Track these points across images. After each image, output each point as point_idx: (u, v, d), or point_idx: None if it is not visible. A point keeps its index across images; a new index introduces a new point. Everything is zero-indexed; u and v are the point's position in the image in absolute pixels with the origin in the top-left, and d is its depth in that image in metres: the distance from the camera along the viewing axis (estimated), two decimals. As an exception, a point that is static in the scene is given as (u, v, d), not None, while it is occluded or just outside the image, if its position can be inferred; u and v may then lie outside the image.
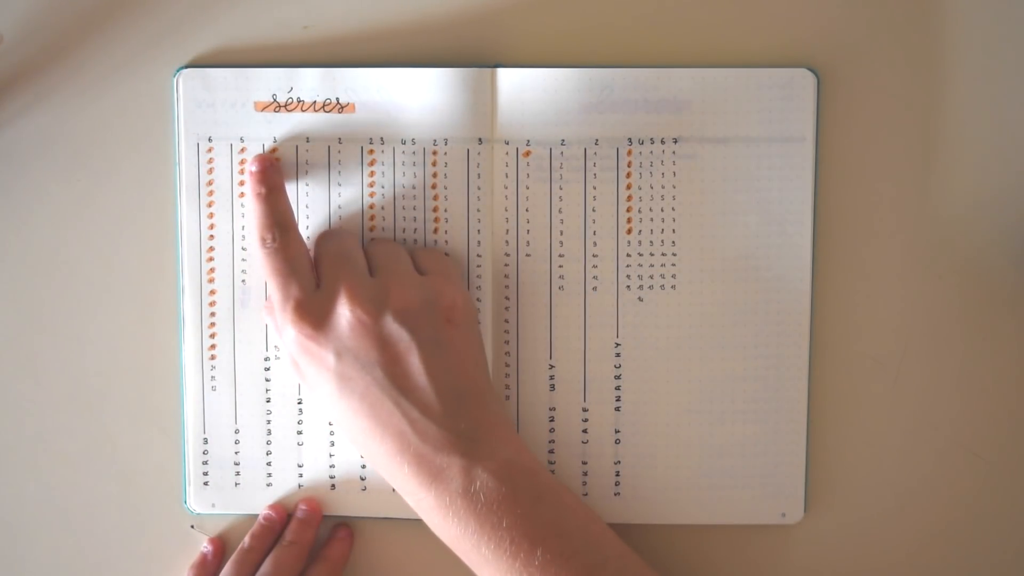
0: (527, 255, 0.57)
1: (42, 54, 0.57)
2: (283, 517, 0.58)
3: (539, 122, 0.56)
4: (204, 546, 0.58)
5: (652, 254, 0.57)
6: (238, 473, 0.58)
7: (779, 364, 0.57)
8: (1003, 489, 0.58)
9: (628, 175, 0.57)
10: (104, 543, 0.59)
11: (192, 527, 0.59)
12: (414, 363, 0.51)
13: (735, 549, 0.58)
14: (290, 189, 0.56)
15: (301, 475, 0.58)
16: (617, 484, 0.58)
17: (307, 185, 0.57)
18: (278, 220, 0.53)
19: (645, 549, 0.54)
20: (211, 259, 0.57)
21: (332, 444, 0.58)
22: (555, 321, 0.57)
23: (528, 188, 0.57)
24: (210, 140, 0.57)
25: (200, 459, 0.58)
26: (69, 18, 0.57)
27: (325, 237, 0.55)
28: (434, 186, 0.57)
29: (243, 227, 0.57)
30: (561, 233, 0.57)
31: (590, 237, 0.57)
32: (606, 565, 0.50)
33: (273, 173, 0.55)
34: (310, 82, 0.56)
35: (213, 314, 0.57)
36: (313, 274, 0.53)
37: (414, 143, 0.56)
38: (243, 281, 0.57)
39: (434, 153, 0.56)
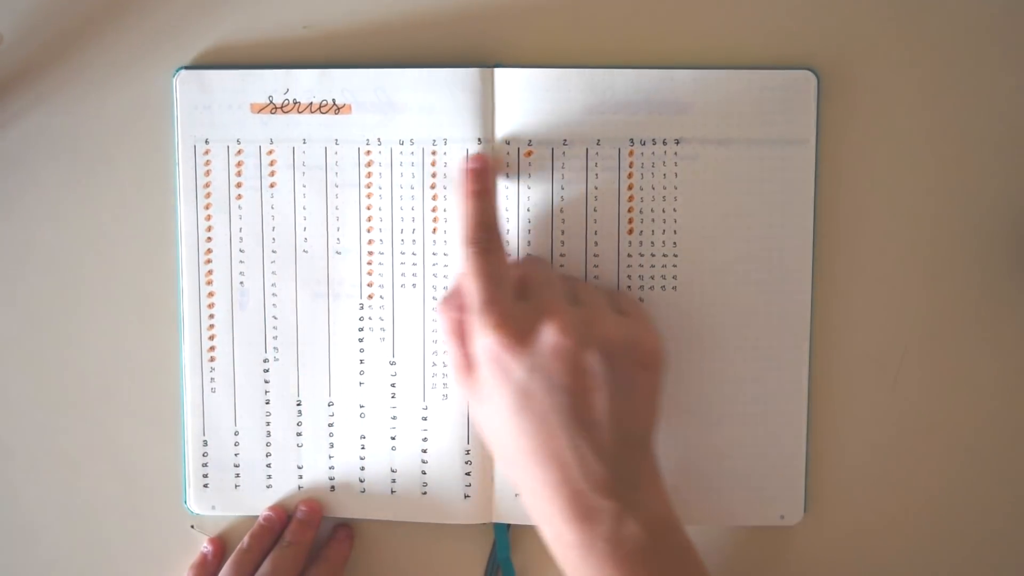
0: (528, 255, 0.57)
1: (42, 54, 0.57)
2: (283, 518, 0.58)
3: (541, 122, 0.56)
4: (204, 546, 0.58)
5: (653, 255, 0.57)
6: (238, 475, 0.58)
7: (779, 364, 0.57)
8: (1003, 489, 0.58)
9: (629, 175, 0.56)
10: (104, 543, 0.59)
11: (192, 527, 0.59)
12: (601, 400, 0.49)
13: (734, 550, 0.58)
14: (286, 191, 0.57)
15: (301, 476, 0.58)
16: (616, 486, 0.58)
17: (304, 187, 0.57)
18: (489, 222, 0.53)
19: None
20: (209, 261, 0.57)
21: (331, 446, 0.58)
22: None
23: (529, 188, 0.56)
24: (207, 142, 0.57)
25: (200, 461, 0.58)
26: (69, 18, 0.57)
27: (531, 258, 0.55)
28: (433, 187, 0.57)
29: (240, 229, 0.57)
30: (562, 233, 0.57)
31: (591, 237, 0.57)
32: None
33: (489, 174, 0.54)
34: (306, 83, 0.56)
35: (212, 316, 0.57)
36: (513, 287, 0.52)
37: (412, 143, 0.56)
38: (241, 283, 0.57)
39: (433, 153, 0.56)
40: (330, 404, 0.58)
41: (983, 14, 0.56)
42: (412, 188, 0.57)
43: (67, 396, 0.59)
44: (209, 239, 0.57)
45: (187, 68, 0.57)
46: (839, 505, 0.58)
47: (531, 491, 0.51)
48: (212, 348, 0.57)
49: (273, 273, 0.57)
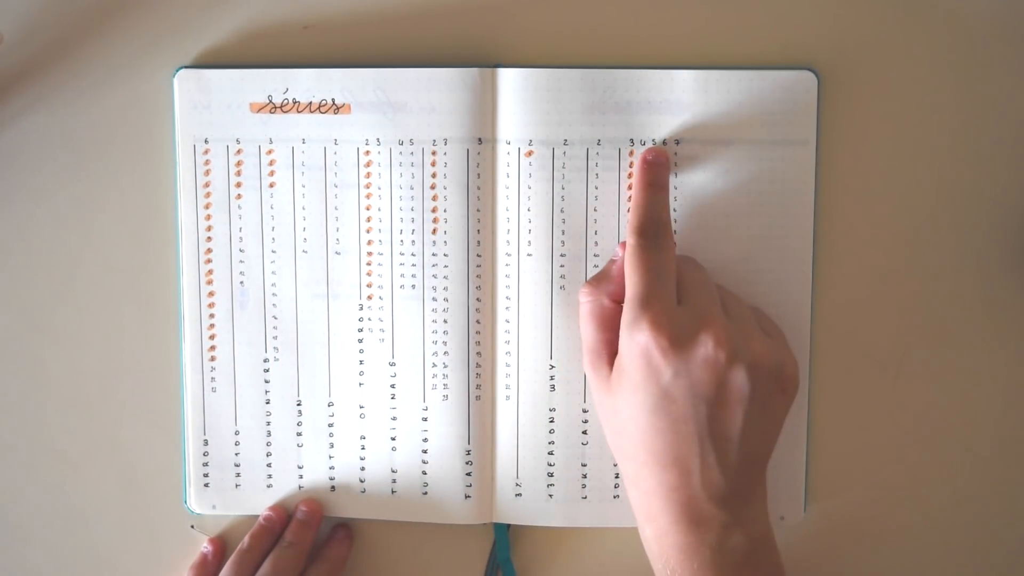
0: (528, 255, 0.57)
1: (42, 54, 0.57)
2: (283, 518, 0.58)
3: (541, 122, 0.56)
4: (204, 546, 0.58)
5: (653, 254, 0.57)
6: (238, 475, 0.58)
7: (780, 365, 0.57)
8: (1002, 489, 0.58)
9: (630, 175, 0.56)
10: (104, 543, 0.59)
11: (192, 527, 0.59)
12: (737, 417, 0.50)
13: (734, 551, 0.58)
14: (286, 191, 0.57)
15: (301, 476, 0.58)
16: (616, 487, 0.58)
17: (303, 187, 0.57)
18: (662, 217, 0.53)
19: (645, 551, 0.54)
20: (209, 261, 0.57)
21: (332, 446, 0.58)
22: (555, 321, 0.57)
23: (530, 188, 0.56)
24: (206, 142, 0.57)
25: (200, 460, 0.58)
26: (69, 18, 0.57)
27: (690, 262, 0.55)
28: (433, 186, 0.56)
29: (240, 229, 0.57)
30: (563, 233, 0.57)
31: (591, 237, 0.57)
32: None
33: (665, 171, 0.55)
34: (305, 83, 0.56)
35: (212, 315, 0.57)
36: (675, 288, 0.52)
37: (412, 143, 0.56)
38: (241, 283, 0.57)
39: (433, 153, 0.56)
40: (330, 404, 0.58)
41: (983, 14, 0.56)
42: (412, 188, 0.56)
43: (67, 396, 0.59)
44: (209, 239, 0.57)
45: (187, 68, 0.57)
46: (839, 505, 0.58)
47: (645, 489, 0.51)
48: (212, 348, 0.57)
49: (273, 273, 0.57)
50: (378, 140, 0.56)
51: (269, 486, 0.58)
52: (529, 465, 0.57)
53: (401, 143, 0.56)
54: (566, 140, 0.56)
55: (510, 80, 0.56)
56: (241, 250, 0.57)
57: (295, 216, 0.57)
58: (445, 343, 0.57)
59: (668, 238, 0.53)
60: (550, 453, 0.57)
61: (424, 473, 0.58)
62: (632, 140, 0.56)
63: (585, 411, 0.57)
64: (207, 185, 0.57)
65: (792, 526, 0.58)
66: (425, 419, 0.57)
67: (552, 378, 0.57)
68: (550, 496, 0.58)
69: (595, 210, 0.57)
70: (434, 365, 0.57)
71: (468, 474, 0.57)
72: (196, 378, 0.58)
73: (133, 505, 0.59)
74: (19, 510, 0.59)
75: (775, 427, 0.53)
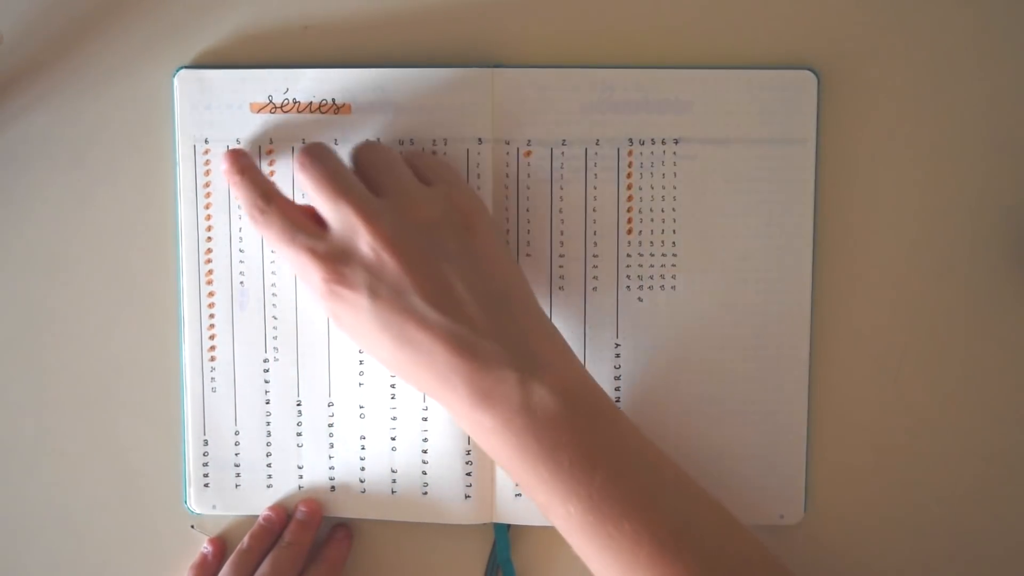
0: (527, 255, 0.57)
1: (42, 54, 0.57)
2: (283, 518, 0.58)
3: (540, 122, 0.56)
4: (204, 546, 0.58)
5: (652, 254, 0.57)
6: (238, 475, 0.58)
7: (779, 364, 0.57)
8: (1003, 489, 0.58)
9: (629, 175, 0.56)
10: (104, 543, 0.59)
11: (192, 527, 0.59)
12: (449, 278, 0.49)
13: (734, 550, 0.58)
14: (286, 191, 0.56)
15: (301, 476, 0.58)
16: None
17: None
18: (260, 192, 0.52)
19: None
20: (209, 261, 0.57)
21: (331, 447, 0.58)
22: (555, 321, 0.57)
23: (529, 188, 0.56)
24: (207, 142, 0.57)
25: (200, 460, 0.58)
26: (69, 18, 0.57)
27: (317, 154, 0.52)
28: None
29: (240, 229, 0.57)
30: (562, 233, 0.57)
31: (590, 237, 0.57)
32: (665, 487, 0.49)
33: (241, 157, 0.54)
34: (306, 83, 0.56)
35: (212, 316, 0.57)
36: (313, 221, 0.51)
37: (412, 143, 0.56)
38: (241, 283, 0.57)
39: (433, 153, 0.56)
40: (330, 404, 0.58)
41: (982, 14, 0.56)
42: (412, 188, 0.56)
43: (67, 396, 0.59)
44: (209, 239, 0.57)
45: (187, 68, 0.57)
46: (839, 505, 0.58)
47: (438, 395, 0.50)
48: (212, 348, 0.57)
49: (273, 273, 0.57)
50: (378, 140, 0.56)
51: (269, 486, 0.58)
52: (529, 465, 0.57)
53: (401, 143, 0.56)
54: (565, 140, 0.56)
55: (509, 80, 0.56)
56: (241, 250, 0.57)
57: (295, 216, 0.57)
58: (445, 343, 0.57)
59: (275, 199, 0.51)
60: (550, 453, 0.57)
61: (424, 473, 0.58)
62: (631, 140, 0.56)
63: (585, 411, 0.57)
64: (207, 185, 0.57)
65: (792, 526, 0.58)
66: (425, 419, 0.57)
67: (552, 378, 0.57)
68: (550, 496, 0.57)
69: (594, 210, 0.57)
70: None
71: (468, 474, 0.57)
72: (196, 378, 0.58)
73: (133, 505, 0.59)
74: (19, 510, 0.59)
75: (493, 262, 0.51)
